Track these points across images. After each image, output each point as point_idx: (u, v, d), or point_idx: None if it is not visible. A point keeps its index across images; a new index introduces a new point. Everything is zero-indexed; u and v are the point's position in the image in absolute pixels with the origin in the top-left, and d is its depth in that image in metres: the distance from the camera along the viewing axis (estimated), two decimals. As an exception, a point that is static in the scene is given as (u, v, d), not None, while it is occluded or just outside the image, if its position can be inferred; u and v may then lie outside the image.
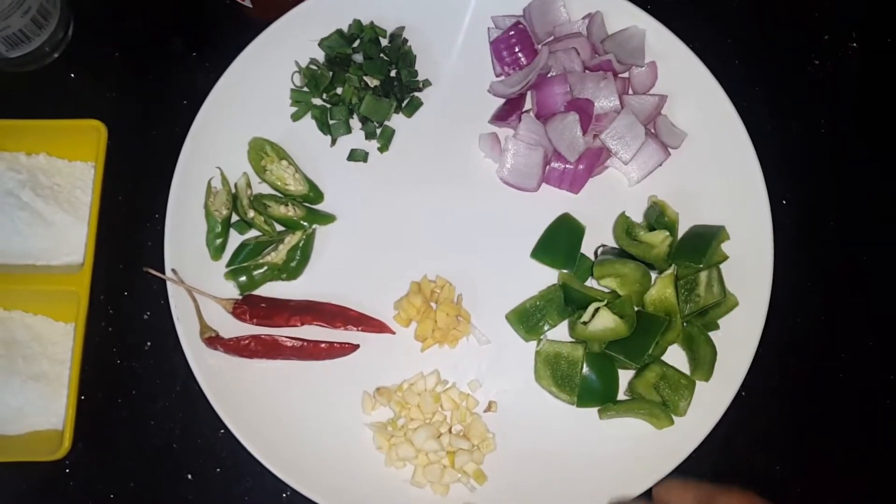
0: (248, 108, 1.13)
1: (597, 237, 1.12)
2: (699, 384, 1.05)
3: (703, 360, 1.04)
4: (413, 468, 1.04)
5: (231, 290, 1.08)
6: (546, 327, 1.08)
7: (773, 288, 1.08)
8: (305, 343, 1.06)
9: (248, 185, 1.10)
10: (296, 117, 1.14)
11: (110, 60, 1.20)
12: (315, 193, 1.11)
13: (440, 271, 1.10)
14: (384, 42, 1.16)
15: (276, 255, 1.08)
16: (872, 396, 1.13)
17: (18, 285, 1.07)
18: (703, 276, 1.05)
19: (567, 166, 1.11)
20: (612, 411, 1.04)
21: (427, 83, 1.16)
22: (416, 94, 1.16)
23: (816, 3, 1.27)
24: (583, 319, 1.04)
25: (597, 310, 1.03)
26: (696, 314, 1.06)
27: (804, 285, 1.15)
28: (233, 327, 1.06)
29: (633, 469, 1.04)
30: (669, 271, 1.05)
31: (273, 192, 1.12)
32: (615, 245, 1.11)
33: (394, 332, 1.08)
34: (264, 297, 1.08)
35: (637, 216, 1.12)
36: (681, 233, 1.10)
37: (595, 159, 1.11)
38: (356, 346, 1.07)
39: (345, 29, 1.16)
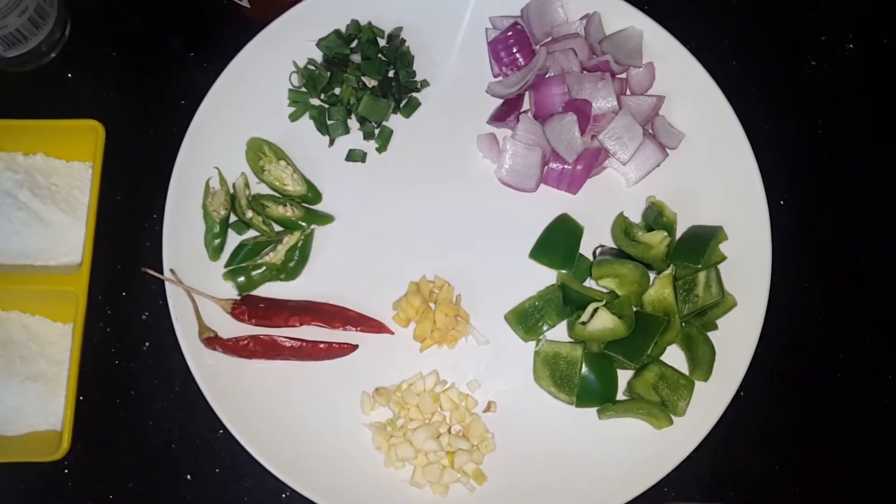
0: (246, 108, 1.13)
1: (595, 237, 1.12)
2: (698, 384, 1.05)
3: (702, 360, 1.04)
4: (412, 468, 1.04)
5: (229, 291, 1.08)
6: (545, 327, 1.08)
7: (772, 288, 1.08)
8: (304, 343, 1.05)
9: (247, 185, 1.10)
10: (294, 117, 1.14)
11: (108, 60, 1.20)
12: (313, 194, 1.11)
13: (439, 271, 1.10)
14: (382, 42, 1.16)
15: (275, 256, 1.08)
16: (871, 396, 1.14)
17: (16, 285, 1.07)
18: (702, 276, 1.05)
19: (565, 167, 1.11)
20: (611, 411, 1.05)
21: (425, 83, 1.16)
22: (415, 94, 1.16)
23: (813, 3, 1.27)
24: (581, 320, 1.04)
25: (595, 310, 1.03)
26: (694, 314, 1.06)
27: (802, 285, 1.15)
28: (231, 327, 1.06)
29: (632, 469, 1.04)
30: (668, 271, 1.05)
31: (271, 192, 1.12)
32: (613, 245, 1.11)
33: (393, 333, 1.08)
34: (263, 297, 1.08)
35: (635, 216, 1.12)
36: (679, 233, 1.10)
37: (593, 160, 1.11)
38: (355, 347, 1.07)
39: (343, 29, 1.16)
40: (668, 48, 1.16)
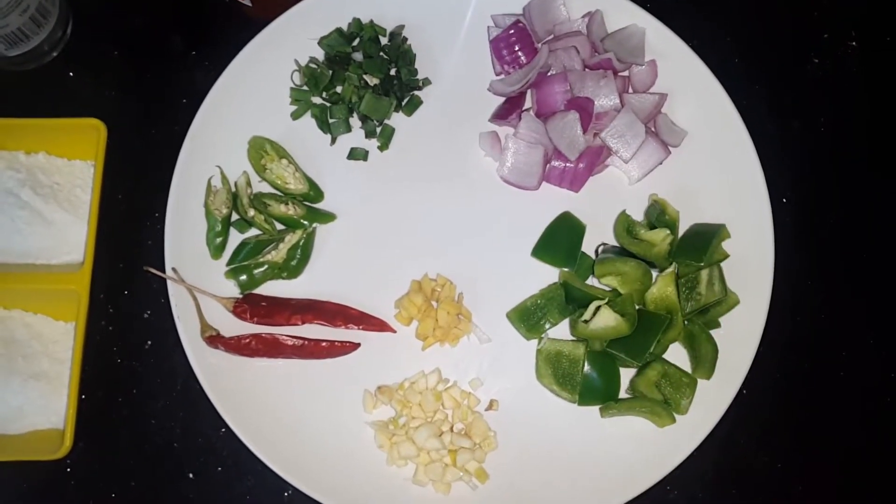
0: (247, 106, 1.13)
1: (597, 236, 1.12)
2: (700, 382, 1.05)
3: (705, 358, 1.04)
4: (415, 467, 1.04)
5: (231, 289, 1.08)
6: (547, 326, 1.08)
7: (774, 286, 1.08)
8: (306, 342, 1.05)
9: (248, 183, 1.10)
10: (296, 116, 1.14)
11: (109, 59, 1.19)
12: (315, 192, 1.11)
13: (441, 270, 1.10)
14: (384, 40, 1.16)
15: (277, 254, 1.08)
16: (873, 394, 1.14)
17: (18, 284, 1.07)
18: (704, 274, 1.05)
19: (567, 165, 1.11)
20: (614, 410, 1.04)
21: (427, 82, 1.16)
22: (416, 92, 1.16)
23: (816, 1, 1.27)
24: (584, 318, 1.04)
25: (598, 308, 1.03)
26: (697, 312, 1.06)
27: (805, 283, 1.15)
28: (233, 326, 1.06)
29: (634, 467, 1.04)
30: (670, 269, 1.05)
31: (273, 190, 1.11)
32: (616, 243, 1.11)
33: (395, 331, 1.08)
34: (265, 295, 1.08)
35: (638, 214, 1.12)
36: (681, 231, 1.10)
37: (595, 158, 1.11)
38: (357, 345, 1.07)
39: (344, 27, 1.16)
40: (671, 46, 1.16)
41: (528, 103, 1.16)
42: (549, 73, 1.15)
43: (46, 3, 1.11)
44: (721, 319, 1.08)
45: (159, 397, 1.08)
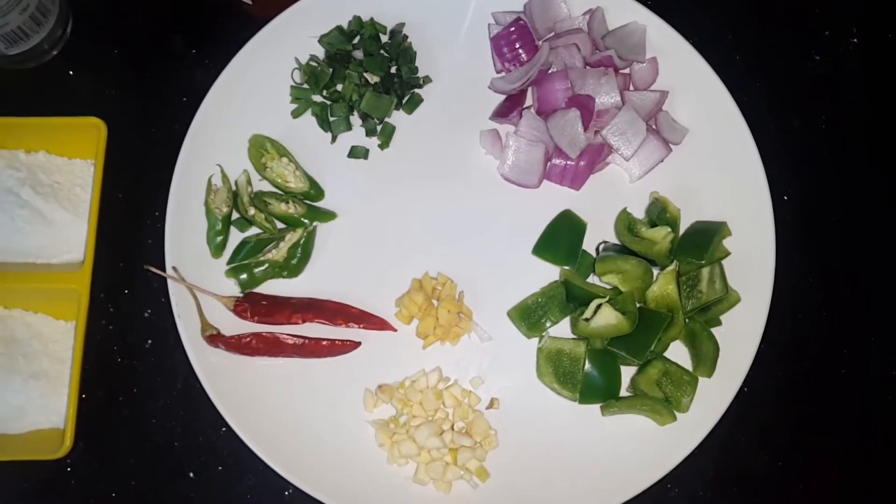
0: (248, 105, 1.13)
1: (598, 234, 1.12)
2: (701, 380, 1.04)
3: (706, 356, 1.04)
4: (415, 465, 1.04)
5: (232, 288, 1.08)
6: (548, 324, 1.08)
7: (775, 284, 1.08)
8: (307, 340, 1.05)
9: (249, 182, 1.10)
10: (296, 114, 1.14)
11: (109, 57, 1.19)
12: (316, 190, 1.11)
13: (441, 268, 1.10)
14: (384, 38, 1.16)
15: (277, 253, 1.08)
16: (874, 392, 1.14)
17: (18, 283, 1.07)
18: (705, 272, 1.05)
19: (568, 163, 1.11)
20: (615, 408, 1.04)
21: (427, 80, 1.16)
22: (417, 90, 1.16)
23: (817, -1, 1.27)
24: (585, 316, 1.04)
25: (599, 306, 1.03)
26: (698, 310, 1.05)
27: (806, 281, 1.15)
28: (234, 325, 1.06)
29: (635, 466, 1.04)
30: (671, 267, 1.05)
31: (274, 189, 1.11)
32: (617, 241, 1.11)
33: (395, 330, 1.08)
34: (265, 294, 1.08)
35: (638, 212, 1.12)
36: (682, 229, 1.10)
37: (596, 156, 1.11)
38: (358, 344, 1.07)
39: (345, 25, 1.16)
40: (672, 43, 1.15)
41: (528, 101, 1.16)
42: (549, 71, 1.14)
43: (46, 2, 1.11)
44: (722, 317, 1.08)
45: (160, 396, 1.08)
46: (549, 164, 1.12)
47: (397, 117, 1.15)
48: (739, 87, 1.14)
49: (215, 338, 1.04)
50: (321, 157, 1.13)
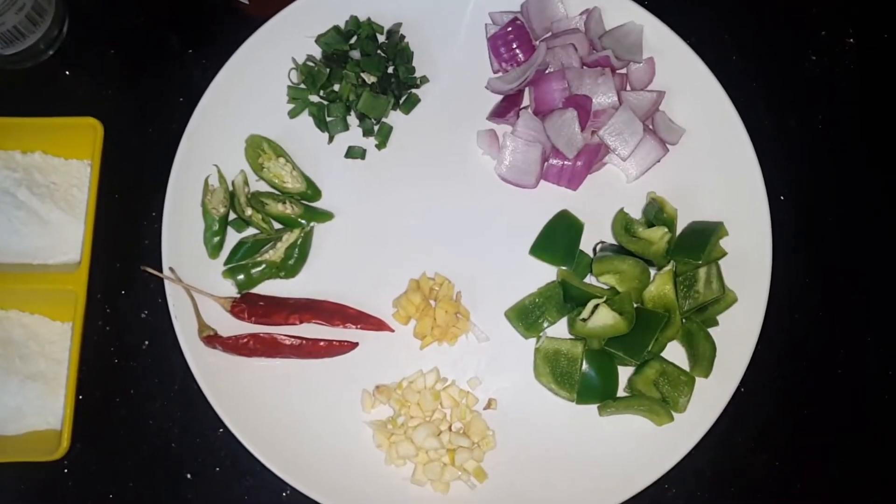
0: (245, 105, 1.13)
1: (595, 234, 1.12)
2: (698, 380, 1.05)
3: (703, 356, 1.04)
4: (413, 466, 1.04)
5: (229, 289, 1.08)
6: (545, 324, 1.08)
7: (772, 284, 1.08)
8: (304, 341, 1.05)
9: (246, 182, 1.10)
10: (293, 114, 1.14)
11: (106, 58, 1.19)
12: (313, 191, 1.11)
13: (439, 268, 1.10)
14: (381, 38, 1.16)
15: (274, 253, 1.08)
16: (871, 392, 1.14)
17: (15, 284, 1.07)
18: (702, 272, 1.05)
19: (565, 163, 1.11)
20: (612, 408, 1.04)
21: (424, 80, 1.16)
22: (414, 90, 1.16)
23: (813, -2, 1.27)
24: (582, 316, 1.04)
25: (596, 306, 1.03)
26: (695, 310, 1.06)
27: (802, 281, 1.15)
28: (231, 326, 1.06)
29: (632, 466, 1.04)
30: (668, 268, 1.05)
31: (271, 189, 1.11)
32: (614, 242, 1.11)
33: (393, 330, 1.08)
34: (263, 295, 1.08)
35: (636, 212, 1.12)
36: (679, 229, 1.10)
37: (593, 156, 1.11)
38: (355, 344, 1.07)
39: (342, 25, 1.15)
40: (669, 43, 1.15)
41: (526, 101, 1.16)
42: (546, 71, 1.14)
43: (42, 2, 1.11)
44: (719, 317, 1.08)
45: (157, 397, 1.08)
46: (546, 164, 1.12)
47: (394, 117, 1.15)
48: (736, 87, 1.14)
49: (212, 339, 1.04)
50: (318, 157, 1.13)
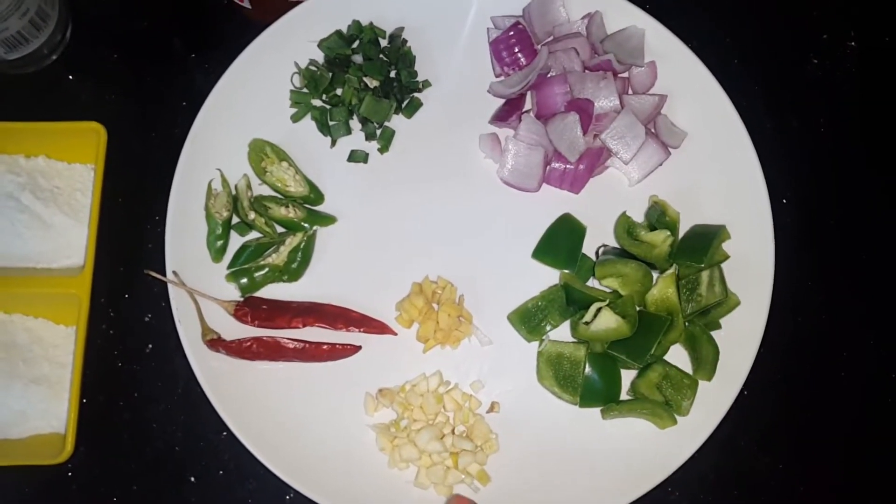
0: (247, 109, 1.13)
1: (598, 237, 1.12)
2: (701, 384, 1.05)
3: (706, 359, 1.04)
4: (416, 469, 1.04)
5: (232, 292, 1.08)
6: (548, 328, 1.08)
7: (775, 287, 1.08)
8: (307, 345, 1.05)
9: (249, 186, 1.10)
10: (296, 118, 1.14)
11: (109, 62, 1.19)
12: (315, 195, 1.11)
13: (442, 272, 1.10)
14: (383, 43, 1.16)
15: (277, 257, 1.08)
16: (874, 395, 1.14)
17: (19, 288, 1.07)
18: (705, 275, 1.05)
19: (567, 166, 1.11)
20: (615, 411, 1.04)
21: (427, 84, 1.16)
22: (416, 94, 1.16)
23: (815, 2, 1.27)
24: (585, 320, 1.04)
25: (599, 310, 1.03)
26: (697, 314, 1.06)
27: (805, 284, 1.15)
28: (234, 329, 1.06)
29: (635, 469, 1.04)
30: (671, 271, 1.05)
31: (273, 193, 1.11)
32: (616, 245, 1.11)
33: (395, 334, 1.08)
34: (266, 298, 1.08)
35: (638, 216, 1.12)
36: (682, 232, 1.10)
37: (595, 159, 1.11)
38: (358, 348, 1.07)
39: (344, 30, 1.16)
40: (670, 47, 1.16)
41: (528, 105, 1.16)
42: (548, 75, 1.14)
43: (46, 7, 1.11)
44: (722, 321, 1.08)
45: (160, 401, 1.08)
46: (548, 167, 1.12)
47: (397, 121, 1.15)
48: (738, 90, 1.14)
49: (216, 342, 1.04)
50: (321, 161, 1.13)
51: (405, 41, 1.16)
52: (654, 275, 1.08)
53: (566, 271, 1.10)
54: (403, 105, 1.15)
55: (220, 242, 1.08)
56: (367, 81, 1.14)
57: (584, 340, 1.06)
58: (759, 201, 1.11)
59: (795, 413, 1.12)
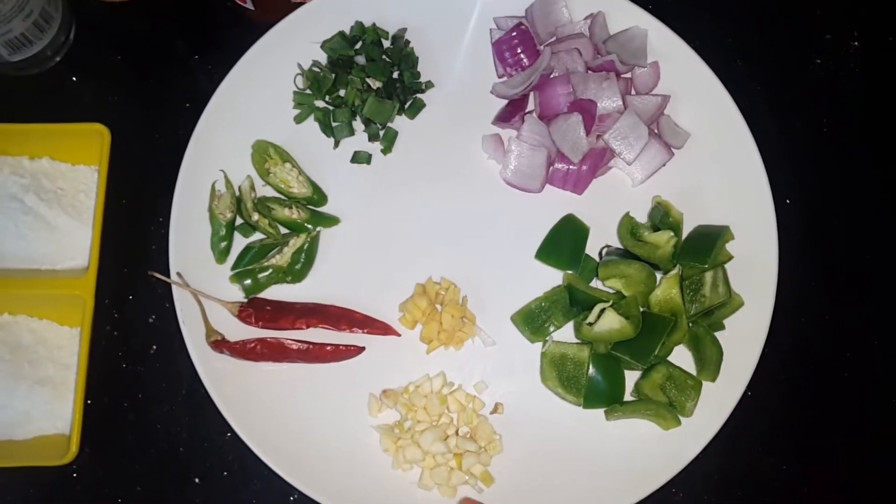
0: (251, 110, 1.13)
1: (601, 238, 1.12)
2: (705, 385, 1.05)
3: (710, 360, 1.04)
4: (420, 470, 1.04)
5: (236, 294, 1.08)
6: (551, 328, 1.08)
7: (778, 287, 1.08)
8: (311, 346, 1.05)
9: (252, 187, 1.10)
10: (299, 120, 1.14)
11: (112, 63, 1.19)
12: (319, 196, 1.11)
13: (445, 273, 1.10)
14: (386, 44, 1.16)
15: (281, 258, 1.08)
16: (878, 396, 1.14)
17: (23, 290, 1.07)
18: (709, 276, 1.05)
19: (570, 167, 1.11)
20: (619, 412, 1.04)
21: (430, 85, 1.16)
22: (419, 95, 1.16)
23: (818, 1, 1.27)
24: (588, 320, 1.04)
25: (602, 311, 1.03)
26: (701, 314, 1.06)
27: (809, 285, 1.15)
28: (238, 330, 1.06)
29: (639, 470, 1.04)
30: (674, 272, 1.05)
31: (277, 194, 1.12)
32: (620, 246, 1.11)
33: (399, 335, 1.08)
34: (269, 299, 1.08)
35: (641, 216, 1.12)
36: (685, 233, 1.10)
37: (598, 160, 1.11)
38: (362, 349, 1.07)
39: (347, 31, 1.16)
40: (673, 47, 1.15)
41: (530, 106, 1.16)
42: (551, 76, 1.14)
43: (49, 9, 1.11)
44: (725, 321, 1.08)
45: (165, 402, 1.08)
46: (551, 168, 1.12)
47: (400, 122, 1.15)
48: (741, 90, 1.14)
49: (220, 343, 1.04)
50: (324, 162, 1.13)
51: (408, 42, 1.16)
52: (658, 275, 1.08)
53: (569, 272, 1.10)
54: (406, 106, 1.15)
55: (223, 244, 1.08)
56: (370, 82, 1.14)
57: (588, 341, 1.06)
58: (762, 202, 1.11)
59: (799, 414, 1.12)
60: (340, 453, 1.04)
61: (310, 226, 1.10)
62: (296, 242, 1.09)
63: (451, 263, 1.11)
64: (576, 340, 1.08)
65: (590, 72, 1.14)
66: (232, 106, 1.12)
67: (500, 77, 1.17)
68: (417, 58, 1.16)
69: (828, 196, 1.19)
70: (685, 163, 1.13)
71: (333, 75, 1.13)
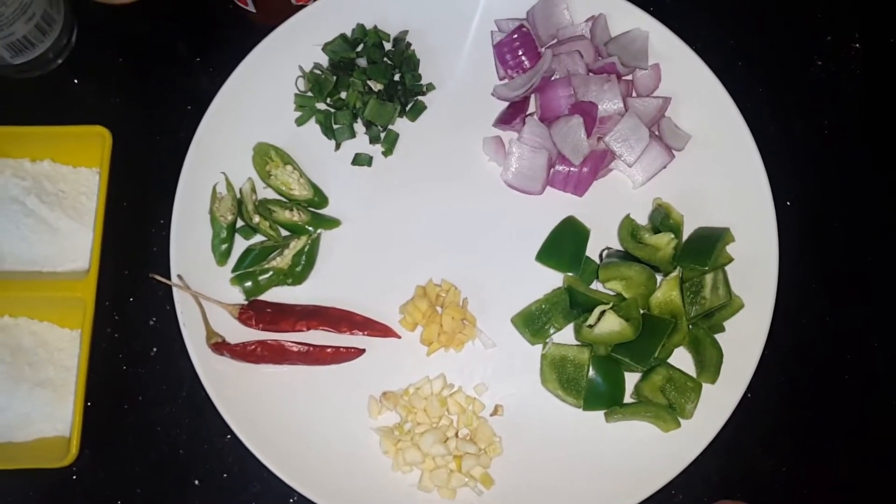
0: (252, 113, 1.13)
1: (602, 240, 1.12)
2: (705, 386, 1.05)
3: (710, 362, 1.04)
4: (420, 473, 1.04)
5: (237, 296, 1.08)
6: (552, 330, 1.08)
7: (779, 290, 1.08)
8: (311, 348, 1.06)
9: (253, 190, 1.10)
10: (300, 122, 1.14)
11: (114, 66, 1.20)
12: (320, 198, 1.12)
13: (445, 275, 1.10)
14: (388, 46, 1.16)
15: (282, 260, 1.08)
16: (878, 398, 1.13)
17: (24, 292, 1.07)
18: (709, 278, 1.05)
19: (571, 169, 1.11)
20: (619, 414, 1.04)
21: (431, 87, 1.16)
22: (420, 97, 1.16)
23: (819, 3, 1.27)
24: (588, 322, 1.04)
25: (602, 313, 1.03)
26: (701, 316, 1.05)
27: (809, 287, 1.15)
28: (239, 333, 1.06)
29: (639, 472, 1.04)
30: (675, 274, 1.05)
31: (278, 196, 1.12)
32: (620, 248, 1.11)
33: (399, 337, 1.08)
34: (270, 302, 1.08)
35: (642, 219, 1.12)
36: (686, 235, 1.10)
37: (599, 162, 1.11)
38: (362, 351, 1.07)
39: (348, 33, 1.16)
40: (674, 49, 1.15)
41: (531, 108, 1.16)
42: (552, 78, 1.15)
43: (51, 11, 1.12)
44: (726, 323, 1.08)
45: (165, 404, 1.08)
46: (552, 170, 1.12)
47: (401, 124, 1.15)
48: (742, 92, 1.14)
49: (220, 345, 1.04)
50: (325, 164, 1.13)
51: (409, 44, 1.17)
52: (658, 277, 1.08)
53: (570, 274, 1.09)
54: (407, 108, 1.15)
55: (224, 246, 1.09)
56: (372, 85, 1.14)
57: (588, 343, 1.06)
58: (763, 204, 1.11)
59: (799, 415, 1.12)
60: (340, 455, 1.04)
61: (311, 228, 1.10)
62: (296, 245, 1.09)
63: (452, 265, 1.11)
64: (576, 342, 1.08)
65: (591, 74, 1.14)
66: (233, 108, 1.12)
67: (501, 79, 1.17)
68: (419, 60, 1.16)
69: (828, 198, 1.19)
70: (686, 165, 1.13)
71: (335, 77, 1.13)
